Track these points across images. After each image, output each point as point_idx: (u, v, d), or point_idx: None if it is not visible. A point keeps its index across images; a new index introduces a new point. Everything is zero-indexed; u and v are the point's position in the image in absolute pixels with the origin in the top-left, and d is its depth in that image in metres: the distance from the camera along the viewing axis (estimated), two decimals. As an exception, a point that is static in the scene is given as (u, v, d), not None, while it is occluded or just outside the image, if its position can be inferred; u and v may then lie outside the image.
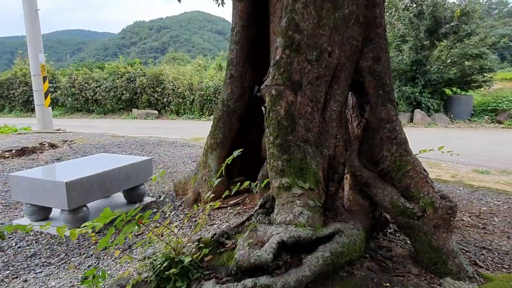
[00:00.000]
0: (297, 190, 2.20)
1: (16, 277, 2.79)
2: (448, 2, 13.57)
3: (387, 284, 2.05)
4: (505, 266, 2.55)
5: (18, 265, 2.96)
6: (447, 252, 2.20)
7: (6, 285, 2.70)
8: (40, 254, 3.14)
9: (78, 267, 2.89)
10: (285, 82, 2.34)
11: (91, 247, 3.23)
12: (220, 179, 2.42)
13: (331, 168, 2.48)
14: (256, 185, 2.67)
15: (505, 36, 13.70)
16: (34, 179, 3.60)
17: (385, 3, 13.93)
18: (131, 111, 17.58)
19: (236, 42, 3.65)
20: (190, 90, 16.73)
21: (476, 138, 10.65)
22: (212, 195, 2.38)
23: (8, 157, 6.81)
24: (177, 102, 17.03)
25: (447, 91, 15.02)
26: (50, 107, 11.28)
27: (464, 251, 2.73)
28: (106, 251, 3.07)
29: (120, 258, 2.80)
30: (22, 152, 7.15)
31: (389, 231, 2.89)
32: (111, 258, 2.96)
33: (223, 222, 3.24)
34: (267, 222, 2.21)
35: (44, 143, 7.90)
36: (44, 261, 3.02)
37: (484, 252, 2.76)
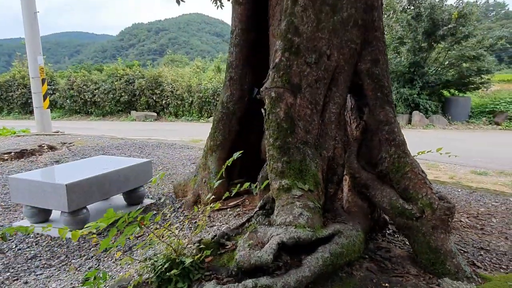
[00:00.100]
0: (297, 192, 2.22)
1: (17, 279, 2.79)
2: (445, 4, 13.65)
3: (386, 284, 2.07)
4: (503, 266, 2.57)
5: (18, 267, 2.97)
6: (445, 253, 2.22)
7: (6, 287, 2.71)
8: (40, 256, 3.15)
9: (78, 268, 2.90)
10: (285, 85, 2.36)
11: (91, 249, 3.24)
12: (220, 180, 2.44)
13: (330, 169, 2.51)
14: (256, 187, 2.69)
15: (502, 38, 13.77)
16: (34, 181, 3.60)
17: (383, 6, 14.00)
18: (129, 113, 17.58)
19: (235, 44, 3.67)
20: (188, 92, 16.75)
21: (474, 139, 10.69)
22: (212, 196, 2.40)
23: (7, 160, 6.81)
24: (175, 104, 17.04)
25: (445, 92, 15.08)
26: (49, 109, 11.28)
27: (462, 251, 2.75)
28: (106, 253, 3.08)
29: (121, 259, 2.82)
30: (21, 154, 7.16)
31: (388, 232, 2.91)
32: (111, 260, 2.97)
33: (223, 224, 3.26)
34: (267, 223, 2.22)
35: (43, 145, 7.90)
36: (45, 263, 3.03)
37: (482, 253, 2.78)
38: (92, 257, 3.10)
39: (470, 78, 14.02)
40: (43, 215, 3.79)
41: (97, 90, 17.80)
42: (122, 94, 17.51)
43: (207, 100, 16.36)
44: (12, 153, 7.06)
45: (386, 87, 2.58)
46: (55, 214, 3.90)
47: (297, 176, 2.28)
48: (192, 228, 3.21)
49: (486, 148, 9.03)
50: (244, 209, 3.54)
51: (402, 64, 13.89)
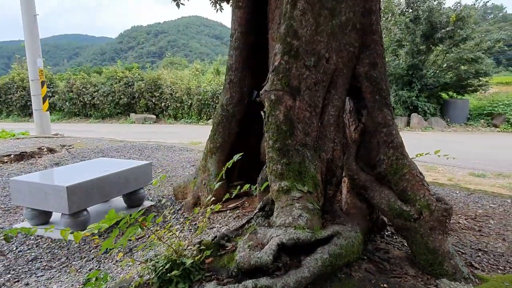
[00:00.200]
0: (296, 193, 2.24)
1: (18, 281, 2.81)
2: (443, 8, 13.72)
3: (385, 285, 2.09)
4: (500, 267, 2.60)
5: (19, 269, 2.99)
6: (443, 254, 2.25)
7: (7, 288, 2.73)
8: (41, 258, 3.17)
9: (79, 270, 2.92)
10: (284, 88, 2.38)
11: (92, 251, 3.26)
12: (220, 182, 2.46)
13: (329, 171, 2.53)
14: (255, 189, 2.71)
15: (500, 41, 13.83)
16: (34, 184, 3.63)
17: (382, 9, 14.08)
18: (129, 115, 17.60)
19: (235, 48, 3.70)
20: (188, 94, 16.79)
21: (472, 141, 10.73)
22: (213, 198, 2.42)
23: (6, 162, 6.82)
24: (175, 106, 17.07)
25: (444, 95, 15.14)
26: (48, 112, 11.30)
27: (460, 253, 2.77)
28: (107, 254, 3.10)
29: (121, 261, 2.84)
30: (21, 157, 7.17)
31: (386, 233, 2.94)
32: (112, 262, 2.99)
33: (222, 226, 3.28)
34: (266, 224, 2.25)
35: (42, 147, 7.91)
36: (45, 265, 3.05)
37: (479, 254, 2.81)
38: (92, 258, 3.11)
39: (468, 81, 14.08)
40: (43, 217, 3.80)
41: (96, 93, 17.82)
42: (121, 96, 17.53)
43: (206, 102, 16.39)
44: (12, 156, 7.07)
45: (384, 90, 2.61)
46: (55, 216, 3.92)
47: (296, 178, 2.31)
48: (192, 230, 3.23)
49: (484, 150, 9.07)
50: (244, 211, 3.56)
51: (400, 66, 13.95)
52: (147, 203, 4.54)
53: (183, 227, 3.36)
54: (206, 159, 3.93)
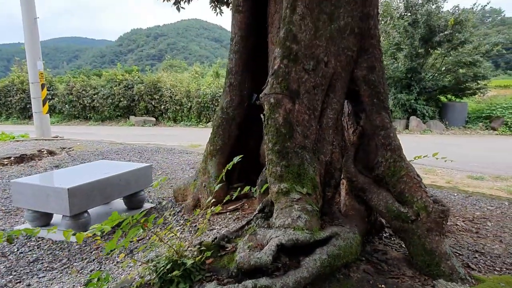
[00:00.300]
0: (295, 195, 2.27)
1: (20, 282, 2.84)
2: (442, 11, 13.80)
3: (382, 285, 2.13)
4: (497, 268, 2.63)
5: (21, 270, 3.01)
6: (440, 255, 2.28)
7: (9, 289, 2.75)
8: (42, 259, 3.19)
9: (80, 271, 2.95)
10: (283, 91, 2.42)
11: (93, 252, 3.29)
12: (220, 184, 2.49)
13: (328, 173, 2.57)
14: (255, 191, 2.75)
15: (498, 45, 13.91)
16: (36, 186, 3.65)
17: (380, 13, 14.12)
18: (128, 118, 17.63)
19: (235, 51, 3.74)
20: (187, 97, 16.83)
21: (470, 144, 10.78)
22: (213, 200, 2.45)
23: (7, 164, 6.85)
24: (174, 109, 17.11)
25: (442, 98, 15.21)
26: (48, 114, 11.32)
27: (457, 254, 2.80)
28: (108, 255, 3.12)
29: (122, 262, 2.86)
30: (21, 159, 7.19)
31: (384, 235, 2.97)
32: (113, 263, 3.02)
33: (222, 227, 3.31)
34: (266, 226, 2.28)
35: (42, 150, 7.94)
36: (47, 266, 3.07)
37: (476, 256, 2.84)
38: (93, 260, 3.14)
39: (467, 84, 14.15)
40: (44, 219, 3.83)
41: (96, 95, 17.85)
42: (121, 99, 17.57)
43: (205, 105, 16.43)
44: (12, 158, 7.10)
45: (382, 93, 2.65)
46: (56, 218, 3.94)
47: (296, 180, 2.34)
48: (192, 232, 3.26)
49: (483, 153, 9.12)
50: (243, 213, 3.59)
51: (399, 69, 14.02)
52: (147, 205, 4.57)
53: (183, 229, 3.39)
54: (206, 161, 3.96)
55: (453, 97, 15.12)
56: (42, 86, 10.84)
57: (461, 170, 6.89)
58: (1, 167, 6.60)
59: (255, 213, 2.53)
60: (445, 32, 12.94)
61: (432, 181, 5.97)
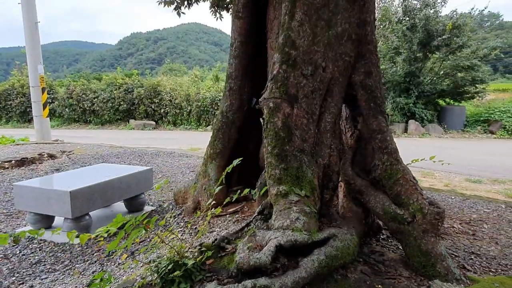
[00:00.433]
0: (294, 197, 2.32)
1: (22, 283, 2.88)
2: (440, 16, 13.91)
3: (379, 286, 2.17)
4: (492, 270, 2.68)
5: (23, 272, 3.05)
6: (435, 256, 2.33)
7: (12, 290, 2.79)
8: (44, 261, 3.23)
9: (82, 273, 2.99)
10: (282, 96, 2.48)
11: (94, 254, 3.33)
12: (220, 187, 2.54)
13: (326, 176, 2.62)
14: (255, 193, 2.80)
15: (496, 49, 14.01)
16: (38, 189, 3.70)
17: (379, 17, 14.21)
18: (128, 121, 17.69)
19: (235, 56, 3.80)
20: (187, 101, 16.91)
21: (469, 148, 10.84)
22: (213, 202, 2.50)
23: (7, 168, 6.89)
24: (174, 113, 17.18)
25: (441, 102, 15.29)
26: (48, 118, 11.37)
27: (453, 256, 2.85)
28: (109, 257, 3.16)
29: (124, 264, 2.91)
30: (22, 162, 7.23)
31: (382, 237, 3.02)
32: (114, 264, 3.06)
33: (222, 230, 3.35)
34: (265, 227, 2.33)
35: (43, 153, 7.98)
36: (49, 268, 3.11)
37: (472, 257, 2.88)
38: (95, 261, 3.18)
39: (465, 88, 14.25)
40: (46, 222, 3.87)
41: (96, 99, 17.92)
42: (121, 103, 17.64)
43: (205, 109, 16.50)
44: (13, 161, 7.14)
45: (378, 97, 2.71)
46: (57, 220, 3.99)
47: (294, 182, 2.39)
48: (193, 234, 3.30)
49: (481, 157, 9.17)
50: (243, 215, 3.63)
51: (398, 73, 14.10)
52: (147, 208, 4.61)
53: (184, 231, 3.44)
54: (206, 164, 4.01)
55: (451, 100, 15.21)
56: (43, 90, 10.89)
57: (459, 173, 6.94)
58: (2, 170, 6.64)
59: (254, 215, 2.57)
60: (443, 37, 13.05)
61: (430, 184, 6.01)
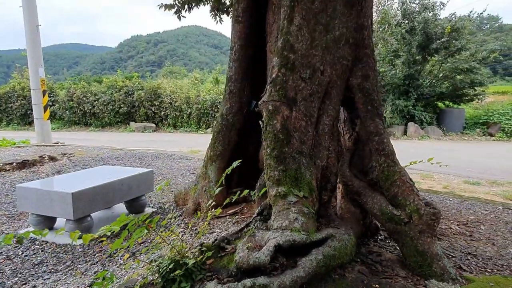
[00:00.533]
0: (292, 198, 2.37)
1: (25, 283, 2.92)
2: (438, 19, 14.00)
3: (376, 285, 2.21)
4: (488, 270, 2.72)
5: (26, 272, 3.09)
6: (431, 256, 2.37)
7: (15, 290, 2.83)
8: (47, 262, 3.27)
9: (84, 273, 3.03)
10: (281, 98, 2.53)
11: (96, 255, 3.37)
12: (220, 188, 2.59)
13: (324, 178, 2.66)
14: (254, 194, 2.84)
15: (495, 52, 14.08)
16: (40, 190, 3.74)
17: (379, 20, 14.27)
18: (128, 124, 17.74)
19: (235, 60, 3.86)
20: (187, 103, 16.97)
21: (468, 150, 10.89)
22: (213, 203, 2.54)
23: (9, 170, 6.93)
24: (174, 115, 17.24)
25: (440, 104, 15.36)
26: (49, 121, 11.42)
27: (450, 256, 2.89)
28: (111, 258, 3.20)
29: (125, 264, 2.95)
30: (23, 165, 7.28)
31: (379, 238, 3.06)
32: (116, 265, 3.10)
33: (222, 231, 3.39)
34: (264, 228, 2.37)
35: (44, 156, 8.02)
36: (51, 268, 3.15)
37: (469, 258, 2.93)
38: (97, 262, 3.22)
39: (464, 90, 14.32)
40: (48, 223, 3.91)
41: (96, 102, 17.99)
42: (121, 105, 17.71)
43: (205, 111, 16.57)
44: (14, 164, 7.18)
45: (376, 100, 2.76)
46: (59, 222, 4.03)
47: (293, 183, 2.44)
48: (193, 235, 3.34)
49: (480, 159, 9.22)
50: (243, 216, 3.68)
51: (397, 76, 14.18)
52: (148, 210, 4.65)
53: (184, 232, 3.48)
54: (207, 166, 4.06)
55: (450, 103, 15.28)
56: (44, 92, 10.95)
57: (458, 175, 6.98)
58: (4, 172, 6.69)
59: (254, 215, 2.62)
60: (442, 39, 13.13)
61: (429, 186, 6.06)
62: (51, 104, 18.07)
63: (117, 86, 18.01)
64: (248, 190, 2.64)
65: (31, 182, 4.22)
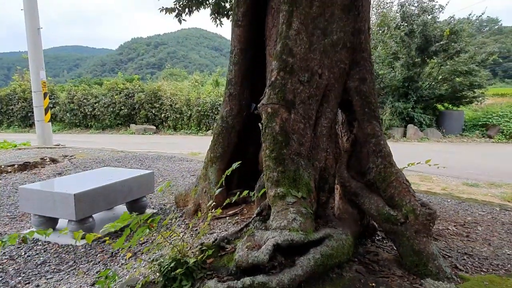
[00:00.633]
0: (291, 199, 2.42)
1: (28, 283, 2.97)
2: (437, 22, 14.07)
3: (373, 284, 2.26)
4: (484, 269, 2.76)
5: (29, 272, 3.14)
6: (427, 255, 2.42)
7: (19, 290, 2.88)
8: (49, 262, 3.32)
9: (86, 273, 3.08)
10: (280, 101, 2.58)
11: (98, 255, 3.42)
12: (220, 189, 2.64)
13: (322, 179, 2.72)
14: (253, 195, 2.89)
15: (494, 54, 14.15)
16: (43, 191, 3.80)
17: (378, 22, 14.33)
18: (129, 126, 17.82)
19: (234, 63, 3.91)
20: (187, 105, 17.04)
21: (467, 152, 10.93)
22: (213, 204, 2.60)
23: (10, 172, 6.98)
24: (174, 117, 17.31)
25: (439, 106, 15.42)
26: (50, 123, 11.47)
27: (446, 256, 2.93)
28: (113, 257, 3.25)
29: (127, 264, 3.00)
30: (24, 166, 7.33)
31: (377, 238, 3.11)
32: (117, 264, 3.15)
33: (222, 231, 3.44)
34: (263, 228, 2.42)
35: (45, 158, 8.08)
36: (54, 268, 3.20)
37: (465, 257, 2.97)
38: (99, 262, 3.27)
39: (463, 92, 14.38)
40: (50, 224, 3.96)
41: (97, 104, 18.07)
42: (122, 107, 17.78)
43: (205, 113, 16.63)
44: (15, 166, 7.23)
45: (373, 103, 2.82)
46: (61, 223, 4.08)
47: (291, 184, 2.49)
48: (193, 235, 3.39)
49: (479, 161, 9.26)
50: (242, 217, 3.72)
51: (396, 78, 14.23)
52: (149, 211, 4.70)
53: (185, 232, 3.52)
54: (207, 168, 4.11)
55: (450, 105, 15.34)
56: (45, 95, 11.01)
57: (456, 177, 7.03)
58: (5, 174, 6.74)
59: (253, 216, 2.67)
60: (441, 42, 13.20)
61: (428, 187, 6.10)
62: (52, 106, 18.14)
63: (118, 89, 18.09)
64: (247, 191, 2.69)
65: (33, 184, 4.27)
